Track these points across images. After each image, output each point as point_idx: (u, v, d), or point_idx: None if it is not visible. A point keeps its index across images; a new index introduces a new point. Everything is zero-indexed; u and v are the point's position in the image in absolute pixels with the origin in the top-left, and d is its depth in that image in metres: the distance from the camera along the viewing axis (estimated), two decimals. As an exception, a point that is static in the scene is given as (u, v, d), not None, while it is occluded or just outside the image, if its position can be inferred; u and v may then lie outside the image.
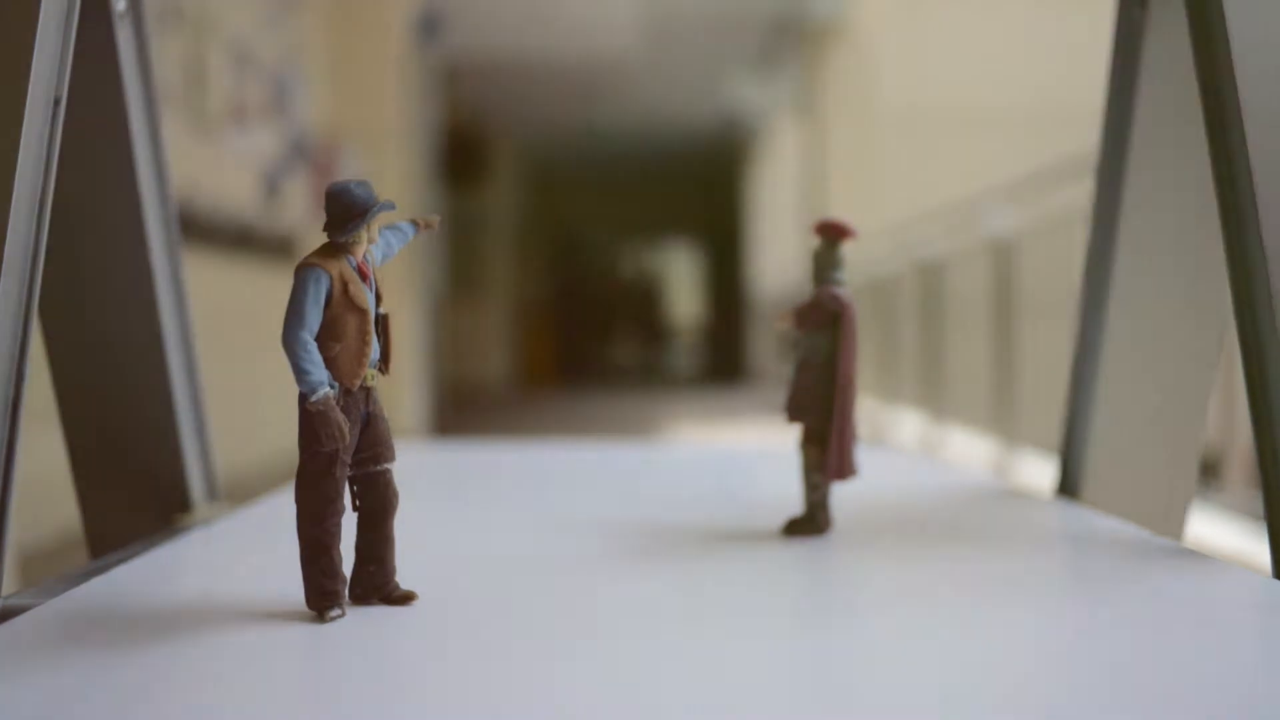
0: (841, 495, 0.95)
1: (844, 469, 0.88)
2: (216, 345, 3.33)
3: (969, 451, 4.13)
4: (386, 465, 0.69)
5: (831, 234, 0.89)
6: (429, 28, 5.98)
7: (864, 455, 0.92)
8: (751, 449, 1.69)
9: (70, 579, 0.77)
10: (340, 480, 0.66)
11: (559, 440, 2.71)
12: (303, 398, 0.64)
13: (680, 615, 0.69)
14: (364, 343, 0.66)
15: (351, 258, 0.66)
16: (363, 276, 0.66)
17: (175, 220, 1.10)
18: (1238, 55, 0.84)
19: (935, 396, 4.77)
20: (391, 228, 0.71)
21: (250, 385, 3.76)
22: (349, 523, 0.68)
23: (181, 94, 3.53)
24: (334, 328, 0.65)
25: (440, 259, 6.72)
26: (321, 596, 0.66)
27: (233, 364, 3.63)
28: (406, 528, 0.71)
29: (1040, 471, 3.17)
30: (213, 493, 1.13)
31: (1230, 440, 2.76)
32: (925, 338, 4.96)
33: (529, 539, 0.92)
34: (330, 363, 0.65)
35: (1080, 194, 2.37)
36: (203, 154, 3.74)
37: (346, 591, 0.67)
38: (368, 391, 0.67)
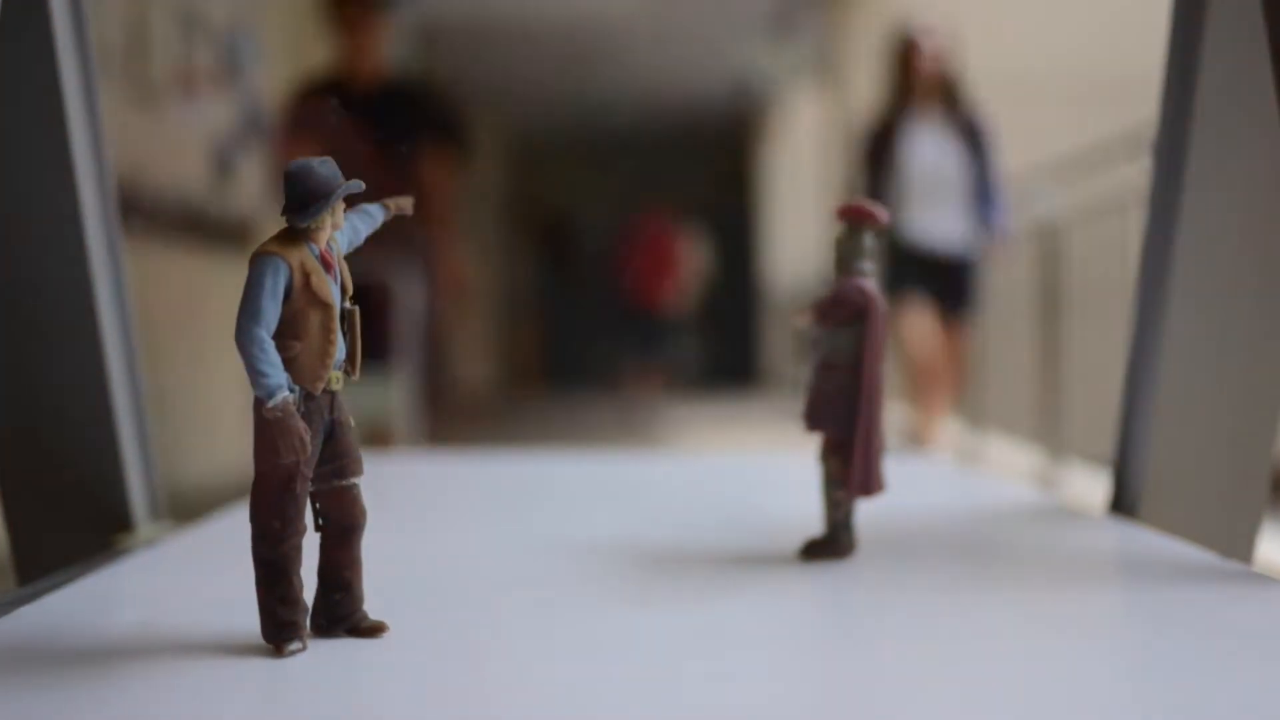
0: (867, 513, 0.95)
1: (869, 483, 0.88)
2: (161, 344, 3.33)
3: (1010, 463, 4.13)
4: (353, 479, 0.69)
5: (855, 219, 0.89)
6: (401, -15, 5.98)
7: (892, 468, 0.92)
8: (765, 461, 1.69)
9: (-4, 608, 0.77)
10: (301, 496, 0.66)
11: (549, 449, 2.71)
12: (259, 403, 0.64)
13: (683, 650, 0.69)
14: (328, 341, 0.66)
15: (314, 245, 0.66)
16: (326, 266, 0.66)
17: (114, 203, 1.10)
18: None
19: (973, 401, 4.77)
20: (358, 211, 0.71)
21: (199, 389, 3.76)
22: (311, 545, 0.68)
23: (121, 60, 3.53)
24: (294, 324, 0.65)
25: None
26: (279, 628, 0.66)
27: (179, 365, 3.63)
28: (376, 550, 0.71)
29: (1091, 486, 3.16)
30: (157, 510, 1.13)
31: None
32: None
33: (515, 563, 0.92)
34: (290, 364, 0.65)
35: (1137, 173, 2.37)
36: (146, 128, 3.73)
37: (308, 622, 0.67)
38: (332, 396, 0.67)
